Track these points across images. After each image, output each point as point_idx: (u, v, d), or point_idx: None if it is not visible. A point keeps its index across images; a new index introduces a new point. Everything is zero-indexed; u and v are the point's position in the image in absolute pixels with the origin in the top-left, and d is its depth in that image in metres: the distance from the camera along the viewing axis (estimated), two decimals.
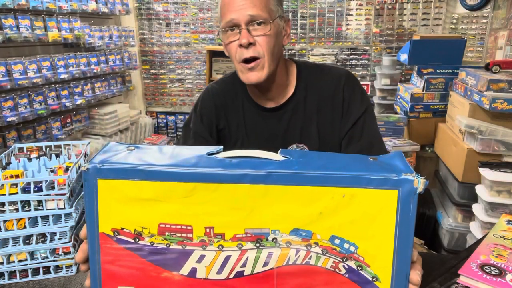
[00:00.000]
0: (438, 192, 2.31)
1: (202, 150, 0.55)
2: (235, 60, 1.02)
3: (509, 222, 0.90)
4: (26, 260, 0.91)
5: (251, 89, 1.13)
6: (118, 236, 0.51)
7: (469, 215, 1.85)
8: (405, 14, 3.54)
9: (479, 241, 0.83)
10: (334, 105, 1.07)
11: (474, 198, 1.70)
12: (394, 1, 3.52)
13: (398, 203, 0.48)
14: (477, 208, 1.67)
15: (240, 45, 0.98)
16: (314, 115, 1.08)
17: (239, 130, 1.14)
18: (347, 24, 3.65)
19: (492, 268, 0.71)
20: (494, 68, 1.95)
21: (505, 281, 0.68)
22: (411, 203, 0.48)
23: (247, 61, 0.99)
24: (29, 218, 0.91)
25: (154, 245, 0.51)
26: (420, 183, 0.48)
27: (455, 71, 2.24)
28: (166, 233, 0.51)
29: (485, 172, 1.58)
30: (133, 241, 0.52)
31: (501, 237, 0.83)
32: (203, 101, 1.18)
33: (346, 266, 0.51)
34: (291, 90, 1.10)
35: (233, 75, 1.17)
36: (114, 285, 0.53)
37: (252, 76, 1.01)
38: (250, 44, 0.97)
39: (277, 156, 0.53)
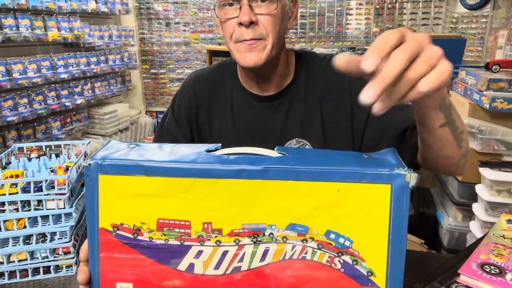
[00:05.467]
0: (438, 192, 2.31)
1: (201, 147, 0.55)
2: (230, 41, 0.88)
3: (509, 221, 0.90)
4: (26, 260, 0.91)
5: (244, 76, 0.99)
6: (118, 232, 0.52)
7: (469, 215, 1.85)
8: (405, 14, 3.54)
9: (479, 241, 0.83)
10: (340, 95, 0.94)
11: (474, 197, 1.70)
12: (394, 1, 3.52)
13: (391, 198, 0.49)
14: (477, 208, 1.67)
15: (240, 24, 0.85)
16: (318, 106, 0.96)
17: (224, 125, 1.00)
18: (347, 24, 3.65)
19: (492, 267, 0.71)
20: (494, 67, 1.95)
21: (505, 280, 0.68)
22: (404, 197, 0.49)
23: (246, 41, 0.86)
24: (29, 218, 0.91)
25: (153, 240, 0.52)
26: (412, 178, 0.48)
27: (455, 70, 2.24)
28: (165, 229, 0.51)
29: (485, 172, 1.58)
30: (132, 236, 0.52)
31: (501, 236, 0.83)
32: (182, 90, 1.04)
33: (342, 261, 0.51)
34: (289, 80, 0.98)
35: (222, 63, 1.05)
36: (113, 281, 0.53)
37: (250, 57, 0.87)
38: (251, 23, 0.84)
39: (273, 153, 0.53)
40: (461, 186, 1.89)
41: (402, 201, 0.49)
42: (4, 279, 0.91)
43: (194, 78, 1.05)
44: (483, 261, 0.73)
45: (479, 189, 1.64)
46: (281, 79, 0.98)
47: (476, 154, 1.77)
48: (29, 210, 0.90)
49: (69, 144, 1.12)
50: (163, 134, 1.06)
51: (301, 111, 0.97)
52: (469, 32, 3.25)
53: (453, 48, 2.39)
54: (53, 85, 2.74)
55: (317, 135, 0.96)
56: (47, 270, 0.93)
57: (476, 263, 0.73)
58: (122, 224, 0.52)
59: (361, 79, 0.99)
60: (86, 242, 0.54)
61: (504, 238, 0.82)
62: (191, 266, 0.52)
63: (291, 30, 3.42)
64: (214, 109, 1.01)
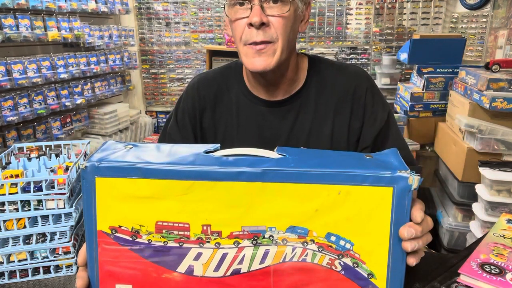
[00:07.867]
0: (438, 192, 2.31)
1: (199, 148, 0.55)
2: (240, 42, 0.86)
3: (509, 221, 0.90)
4: (26, 259, 0.91)
5: (251, 80, 0.96)
6: (116, 234, 0.52)
7: (469, 214, 1.85)
8: (405, 13, 3.54)
9: (479, 240, 0.83)
10: (354, 107, 0.94)
11: (474, 197, 1.70)
12: (394, 1, 3.52)
13: (393, 200, 0.49)
14: (477, 207, 1.67)
15: (250, 24, 0.82)
16: (330, 116, 0.94)
17: (229, 129, 0.97)
18: (347, 24, 3.65)
19: (492, 267, 0.71)
20: (494, 67, 1.95)
21: (505, 280, 0.68)
22: (406, 200, 0.49)
23: (255, 44, 0.84)
24: (29, 218, 0.91)
25: (152, 243, 0.51)
26: (414, 180, 0.48)
27: (455, 70, 2.24)
28: (164, 231, 0.51)
29: (485, 171, 1.58)
30: (130, 239, 0.52)
31: (501, 236, 0.83)
32: (186, 94, 1.02)
33: (342, 263, 0.51)
34: (299, 85, 0.95)
35: (227, 66, 1.03)
36: (112, 283, 0.53)
37: (259, 61, 0.84)
38: (262, 25, 0.81)
39: (273, 154, 0.53)
40: (461, 186, 1.89)
41: (404, 204, 0.49)
42: (4, 279, 0.91)
43: (199, 81, 1.02)
44: (483, 261, 0.73)
45: (479, 189, 1.64)
46: (290, 84, 0.95)
47: (476, 154, 1.77)
48: (29, 210, 0.90)
49: (69, 144, 1.12)
50: (166, 138, 1.05)
51: (309, 120, 0.94)
52: (469, 32, 3.25)
53: (453, 47, 2.38)
54: (53, 85, 2.73)
55: (324, 145, 0.94)
56: (47, 270, 0.93)
57: (476, 263, 0.73)
58: (120, 226, 0.51)
59: (375, 100, 0.97)
60: (84, 246, 0.54)
61: (504, 237, 0.82)
62: (191, 268, 0.52)
63: None
64: (219, 113, 0.98)
